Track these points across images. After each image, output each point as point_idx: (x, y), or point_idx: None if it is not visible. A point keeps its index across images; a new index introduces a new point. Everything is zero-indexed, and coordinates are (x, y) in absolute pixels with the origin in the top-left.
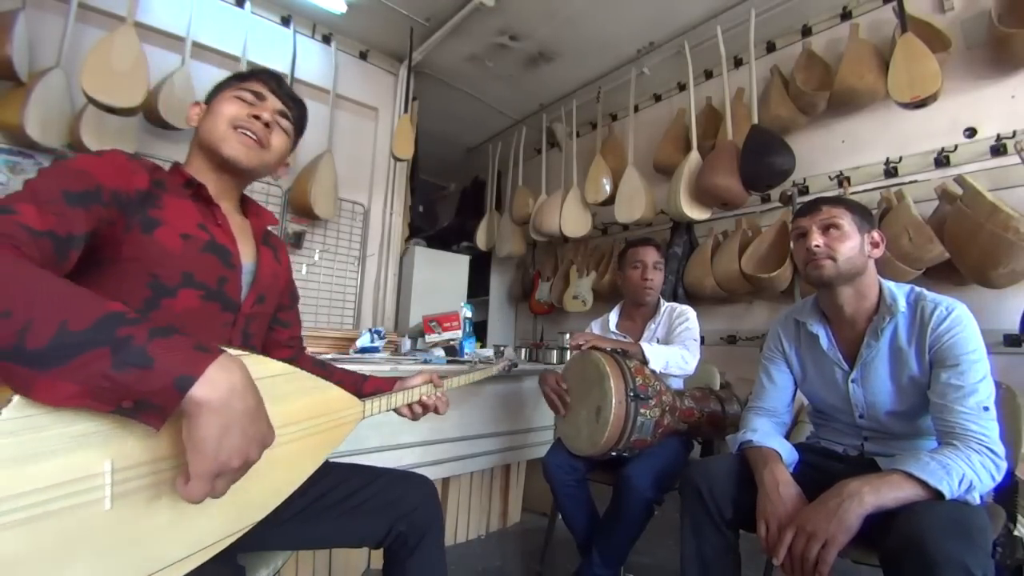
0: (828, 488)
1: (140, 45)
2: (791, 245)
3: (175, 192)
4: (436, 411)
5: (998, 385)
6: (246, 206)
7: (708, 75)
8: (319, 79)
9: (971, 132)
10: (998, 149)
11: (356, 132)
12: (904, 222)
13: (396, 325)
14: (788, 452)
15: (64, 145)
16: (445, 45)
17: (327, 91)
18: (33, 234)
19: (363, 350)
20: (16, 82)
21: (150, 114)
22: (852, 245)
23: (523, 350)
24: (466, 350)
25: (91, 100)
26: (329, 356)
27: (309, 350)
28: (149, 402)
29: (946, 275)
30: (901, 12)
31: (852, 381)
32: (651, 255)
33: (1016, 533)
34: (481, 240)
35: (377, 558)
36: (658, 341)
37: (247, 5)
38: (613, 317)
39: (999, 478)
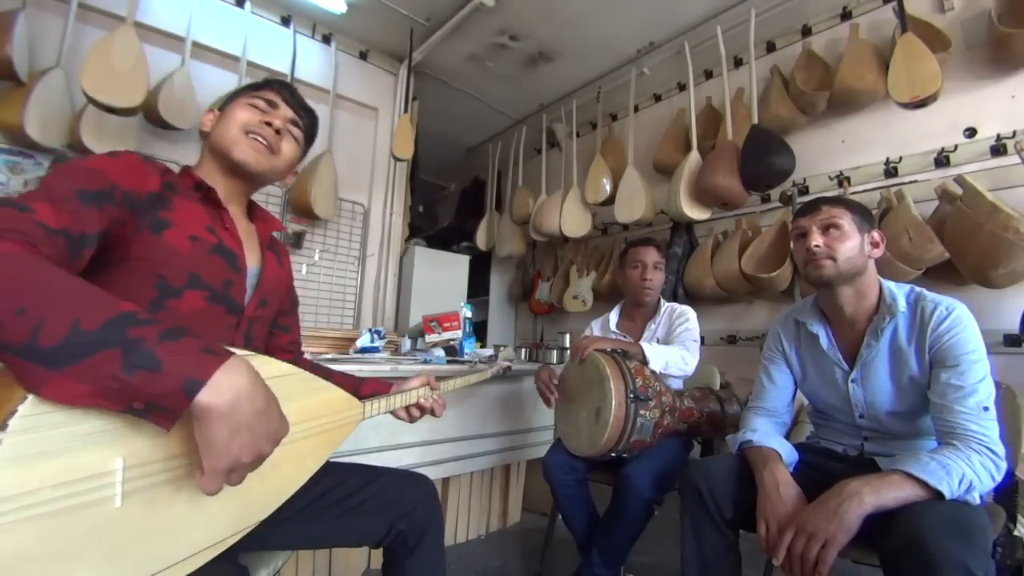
0: (828, 488)
1: (140, 45)
2: (791, 245)
3: (185, 195)
4: (433, 413)
5: (998, 385)
6: (252, 211)
7: (708, 75)
8: (319, 79)
9: (971, 132)
10: (998, 149)
11: (356, 132)
12: (904, 222)
13: (396, 325)
14: (788, 452)
15: (64, 145)
16: (445, 45)
17: (327, 91)
18: (48, 232)
19: (363, 350)
20: (16, 82)
21: (150, 114)
22: (852, 245)
23: (523, 350)
24: (466, 350)
25: (91, 100)
26: (329, 356)
27: (310, 350)
28: (159, 404)
29: (946, 275)
30: (901, 12)
31: (852, 381)
32: (651, 255)
33: (1016, 533)
34: (481, 240)
35: (377, 558)
36: (658, 341)
37: (247, 5)
38: (613, 317)
39: (999, 478)
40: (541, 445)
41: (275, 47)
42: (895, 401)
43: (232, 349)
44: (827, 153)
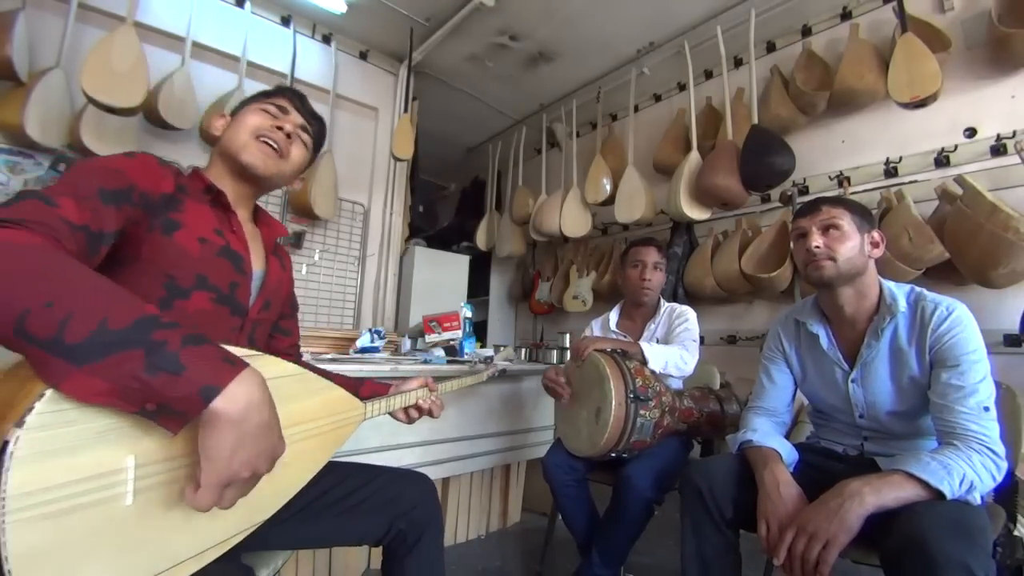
0: (828, 488)
1: (140, 45)
2: (791, 245)
3: (195, 197)
4: (431, 414)
5: (998, 385)
6: (258, 216)
7: (708, 75)
8: (319, 79)
9: (971, 132)
10: (998, 149)
11: (356, 132)
12: (904, 222)
13: (396, 325)
14: (788, 452)
15: (64, 145)
16: (445, 45)
17: (327, 91)
18: (72, 228)
19: (363, 350)
20: (16, 82)
21: (150, 114)
22: (852, 245)
23: (523, 350)
24: (466, 350)
25: (91, 100)
26: (329, 356)
27: (310, 350)
28: (172, 408)
29: (946, 275)
30: (901, 12)
31: (852, 381)
32: (651, 255)
33: (1016, 533)
34: (481, 240)
35: (377, 558)
36: (657, 341)
37: (247, 5)
38: (613, 316)
39: (999, 478)
40: (541, 445)
41: (275, 47)
42: (895, 401)
43: (236, 349)
44: (827, 153)
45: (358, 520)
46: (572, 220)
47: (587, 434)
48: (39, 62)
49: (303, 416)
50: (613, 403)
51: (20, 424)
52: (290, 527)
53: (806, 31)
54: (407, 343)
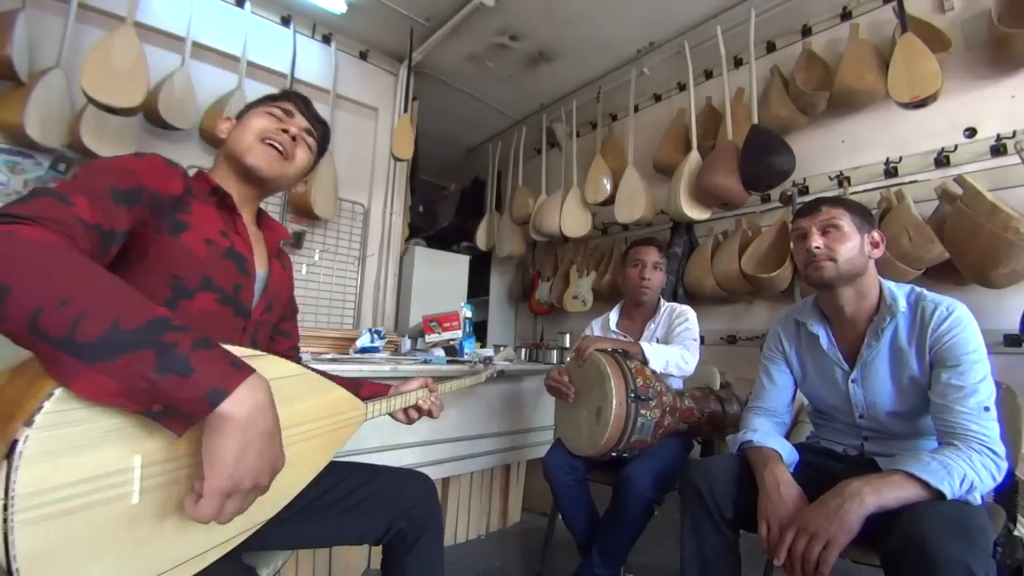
0: (828, 488)
1: (140, 45)
2: (791, 245)
3: (202, 198)
4: (430, 415)
5: (998, 385)
6: (261, 218)
7: (708, 75)
8: (319, 79)
9: (971, 132)
10: (998, 149)
11: (356, 132)
12: (904, 222)
13: (396, 325)
14: (788, 452)
15: (64, 145)
16: (445, 45)
17: (327, 91)
18: (85, 226)
19: (363, 350)
20: (16, 82)
21: (150, 114)
22: (852, 246)
23: (523, 350)
24: (466, 350)
25: (91, 100)
26: (329, 356)
27: (310, 350)
28: (179, 409)
29: (946, 275)
30: (901, 12)
31: (852, 381)
32: (651, 255)
33: (1016, 533)
34: (481, 240)
35: (377, 558)
36: (657, 341)
37: (247, 5)
38: (613, 316)
39: (1000, 478)
40: (541, 445)
41: (275, 47)
42: (895, 401)
43: (240, 350)
44: (827, 153)
45: (358, 519)
46: (572, 220)
47: (588, 433)
48: (39, 62)
49: (305, 416)
50: (614, 402)
51: (29, 423)
52: (290, 527)
53: (806, 31)
54: (407, 343)
